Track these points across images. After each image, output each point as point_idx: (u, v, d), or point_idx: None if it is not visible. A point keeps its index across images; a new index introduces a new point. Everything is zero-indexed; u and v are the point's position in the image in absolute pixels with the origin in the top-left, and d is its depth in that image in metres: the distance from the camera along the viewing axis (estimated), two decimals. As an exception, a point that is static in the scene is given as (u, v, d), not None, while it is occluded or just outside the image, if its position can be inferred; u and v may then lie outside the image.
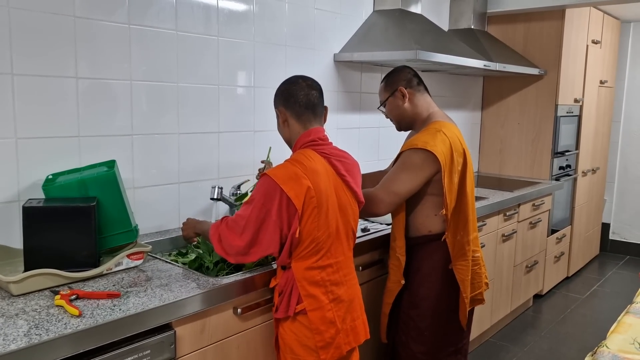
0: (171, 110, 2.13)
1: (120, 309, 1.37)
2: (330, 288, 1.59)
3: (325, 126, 1.76)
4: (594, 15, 4.32)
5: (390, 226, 2.26)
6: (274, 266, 1.73)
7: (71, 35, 1.81)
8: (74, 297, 1.42)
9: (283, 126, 1.69)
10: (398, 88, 2.06)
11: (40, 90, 1.76)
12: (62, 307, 1.36)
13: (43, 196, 1.68)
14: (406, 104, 2.07)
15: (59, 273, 1.50)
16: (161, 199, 2.15)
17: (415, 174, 1.91)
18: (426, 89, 2.14)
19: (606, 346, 1.53)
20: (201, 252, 1.87)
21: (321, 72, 2.76)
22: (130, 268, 1.70)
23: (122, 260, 1.67)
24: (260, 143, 2.49)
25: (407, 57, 2.56)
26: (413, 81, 2.09)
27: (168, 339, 1.45)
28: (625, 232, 5.31)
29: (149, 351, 1.40)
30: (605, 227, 5.33)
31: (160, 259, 1.82)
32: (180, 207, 2.21)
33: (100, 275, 1.62)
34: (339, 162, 1.66)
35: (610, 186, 5.29)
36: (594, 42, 4.38)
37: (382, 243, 2.21)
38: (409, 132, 2.22)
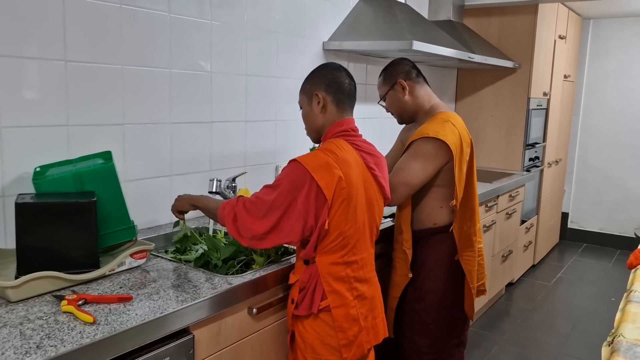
0: (163, 98, 2.00)
1: (136, 314, 1.26)
2: (355, 285, 1.53)
3: None
4: (561, 11, 4.44)
5: (391, 219, 2.23)
6: (292, 261, 1.64)
7: (60, 15, 1.65)
8: (81, 301, 1.29)
9: (320, 112, 1.58)
10: (397, 81, 2.02)
11: (23, 75, 1.59)
12: (72, 313, 1.24)
13: (32, 190, 1.53)
14: (407, 97, 2.03)
15: (61, 276, 1.36)
16: (153, 192, 2.02)
17: (428, 163, 1.88)
18: (425, 80, 2.10)
19: (622, 336, 1.55)
20: (207, 248, 1.76)
21: (310, 60, 2.67)
22: (133, 268, 1.57)
23: (125, 260, 1.54)
24: (254, 133, 2.39)
25: (401, 48, 2.52)
26: (412, 73, 2.04)
27: (187, 344, 1.35)
28: (583, 221, 5.54)
29: (167, 358, 1.30)
30: (565, 217, 5.54)
31: (162, 257, 1.70)
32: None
33: (103, 277, 1.48)
34: (369, 155, 1.59)
35: (570, 177, 5.50)
36: (560, 37, 4.51)
37: (384, 237, 2.16)
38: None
